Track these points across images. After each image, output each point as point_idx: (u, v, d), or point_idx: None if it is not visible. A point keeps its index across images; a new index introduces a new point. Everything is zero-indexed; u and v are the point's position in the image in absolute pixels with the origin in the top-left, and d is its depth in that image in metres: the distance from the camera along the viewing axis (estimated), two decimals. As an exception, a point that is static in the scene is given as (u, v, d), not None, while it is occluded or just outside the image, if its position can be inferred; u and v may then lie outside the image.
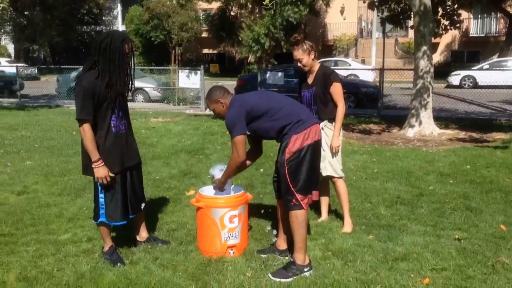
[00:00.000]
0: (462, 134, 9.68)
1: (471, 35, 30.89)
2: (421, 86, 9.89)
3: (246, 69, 27.75)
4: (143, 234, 3.96)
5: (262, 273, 3.42)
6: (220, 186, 3.79)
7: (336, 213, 4.69)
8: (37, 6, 32.92)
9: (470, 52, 30.87)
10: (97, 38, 3.44)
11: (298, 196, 3.36)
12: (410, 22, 15.64)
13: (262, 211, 4.59)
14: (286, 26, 23.41)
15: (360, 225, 4.39)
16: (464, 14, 22.19)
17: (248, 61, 28.33)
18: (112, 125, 3.44)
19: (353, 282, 3.28)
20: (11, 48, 41.09)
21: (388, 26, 22.26)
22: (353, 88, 14.33)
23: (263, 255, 3.72)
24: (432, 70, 9.96)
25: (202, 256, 3.70)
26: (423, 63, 9.83)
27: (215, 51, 36.61)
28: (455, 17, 16.12)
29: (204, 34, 30.93)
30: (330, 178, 4.33)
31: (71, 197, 5.31)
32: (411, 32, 23.61)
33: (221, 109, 3.57)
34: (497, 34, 30.25)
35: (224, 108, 3.54)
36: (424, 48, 9.81)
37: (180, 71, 14.88)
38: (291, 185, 3.36)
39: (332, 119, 4.22)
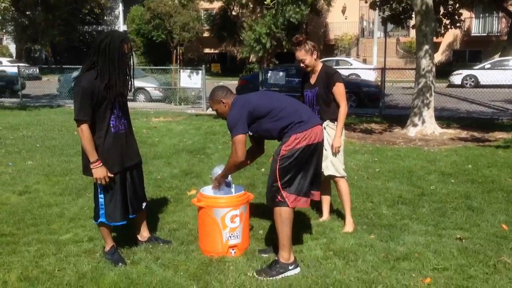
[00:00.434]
0: (463, 134, 9.66)
1: (472, 34, 30.86)
2: (423, 85, 9.88)
3: (248, 68, 27.76)
4: (144, 234, 3.96)
5: (264, 272, 3.41)
6: (217, 184, 3.78)
7: (337, 213, 4.68)
8: (38, 6, 32.99)
9: (472, 51, 30.84)
10: (96, 38, 3.42)
11: (284, 193, 3.35)
12: (412, 22, 15.60)
13: (264, 211, 4.58)
14: (287, 26, 23.38)
15: (362, 225, 4.38)
16: (465, 13, 22.17)
17: (250, 60, 28.33)
18: (111, 125, 3.43)
19: (354, 282, 3.27)
20: (12, 48, 41.17)
21: (390, 26, 22.22)
22: (354, 88, 14.33)
23: (264, 255, 3.71)
24: (434, 69, 9.95)
25: (203, 256, 3.70)
26: (425, 62, 9.82)
27: (216, 51, 36.62)
28: (457, 17, 16.08)
29: (206, 34, 30.93)
30: (331, 177, 4.32)
31: (73, 197, 5.31)
32: (412, 32, 23.61)
33: (223, 109, 3.57)
34: (498, 34, 30.21)
35: (226, 108, 3.54)
36: (426, 47, 9.79)
37: (181, 70, 14.89)
38: (279, 181, 3.35)
39: (334, 119, 4.21)
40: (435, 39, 11.08)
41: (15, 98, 16.84)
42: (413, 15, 11.19)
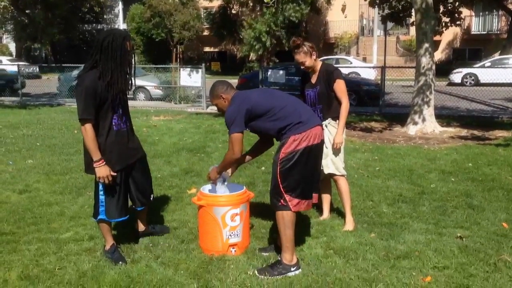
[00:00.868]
0: (464, 132, 9.66)
1: (472, 32, 30.82)
2: (423, 83, 9.87)
3: (247, 67, 27.73)
4: (142, 226, 4.03)
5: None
6: (213, 178, 3.77)
7: (337, 211, 4.68)
8: (38, 5, 32.95)
9: (472, 49, 30.81)
10: (97, 36, 3.43)
11: (287, 197, 3.33)
12: (411, 20, 15.58)
13: (264, 209, 4.58)
14: (287, 24, 23.39)
15: (362, 223, 4.38)
16: (465, 11, 22.17)
17: (249, 59, 28.30)
18: (113, 123, 3.45)
19: (355, 280, 3.27)
20: (12, 46, 41.19)
21: (390, 24, 22.23)
22: (354, 86, 14.31)
23: (264, 254, 3.71)
24: (434, 67, 9.94)
25: (203, 254, 3.70)
26: (425, 60, 9.81)
27: (216, 49, 36.60)
28: (456, 15, 16.08)
29: (205, 32, 30.92)
30: (331, 176, 4.32)
31: (73, 195, 5.31)
32: (412, 30, 23.60)
33: (223, 104, 3.56)
34: (498, 32, 30.17)
35: (226, 103, 3.53)
36: (426, 45, 9.79)
37: (181, 69, 14.88)
38: (281, 185, 3.33)
39: (336, 117, 4.22)
40: (434, 37, 11.06)
41: (15, 97, 16.83)
42: (413, 13, 11.18)
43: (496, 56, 25.25)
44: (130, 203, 3.79)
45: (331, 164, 4.25)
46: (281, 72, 14.24)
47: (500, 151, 7.54)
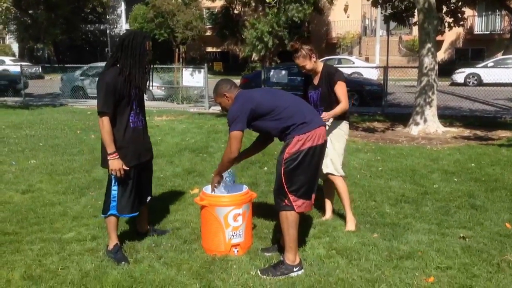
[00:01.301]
0: (466, 132, 9.64)
1: (475, 32, 30.77)
2: (425, 83, 9.86)
3: (250, 67, 27.72)
4: (144, 227, 4.08)
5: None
6: (214, 185, 3.79)
7: (340, 212, 4.67)
8: (41, 5, 33.04)
9: (475, 49, 30.76)
10: (121, 36, 3.63)
11: (291, 197, 3.33)
12: (414, 20, 15.56)
13: (266, 210, 4.58)
14: (289, 25, 23.38)
15: (365, 224, 4.38)
16: (468, 11, 22.11)
17: (252, 59, 28.30)
18: (130, 120, 3.58)
19: (357, 281, 3.27)
20: (15, 47, 41.28)
21: (392, 24, 22.21)
22: (357, 86, 14.31)
23: (267, 254, 3.71)
24: (436, 67, 9.93)
25: (206, 254, 3.70)
26: (427, 61, 9.79)
27: (218, 50, 36.64)
28: (459, 15, 16.02)
29: (208, 33, 30.93)
30: (329, 175, 4.31)
31: (76, 195, 5.32)
32: (415, 30, 23.57)
33: (226, 103, 3.56)
34: (501, 32, 30.13)
35: (229, 102, 3.53)
36: (429, 45, 9.77)
37: (184, 69, 14.87)
38: (285, 186, 3.34)
39: (338, 118, 4.22)
40: (437, 38, 11.05)
41: (18, 97, 16.88)
42: (416, 13, 11.16)
43: (499, 56, 25.21)
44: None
45: (330, 164, 4.24)
46: (283, 72, 14.24)
47: (503, 151, 7.52)
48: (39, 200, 5.12)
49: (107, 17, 40.87)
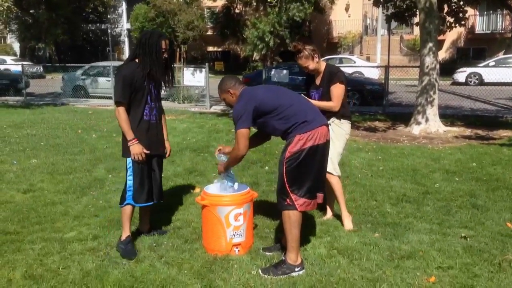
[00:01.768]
0: (468, 132, 9.63)
1: (477, 32, 30.75)
2: (427, 82, 9.85)
3: (251, 66, 27.73)
4: (145, 226, 4.12)
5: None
6: (219, 170, 3.82)
7: (340, 211, 4.66)
8: (42, 5, 33.04)
9: (476, 49, 30.74)
10: (140, 36, 3.82)
11: (293, 196, 3.33)
12: (415, 19, 15.53)
13: (267, 209, 4.58)
14: (290, 24, 23.38)
15: (366, 223, 4.37)
16: (470, 11, 22.08)
17: (253, 58, 28.31)
18: (145, 113, 3.74)
19: (358, 280, 3.26)
20: (16, 46, 41.34)
21: (393, 23, 22.17)
22: (358, 86, 14.29)
23: (268, 253, 3.71)
24: (438, 66, 9.92)
25: (207, 254, 3.70)
26: (429, 60, 9.78)
27: (219, 49, 36.65)
28: (461, 14, 15.99)
29: (209, 32, 30.93)
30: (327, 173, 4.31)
31: (77, 195, 5.32)
32: (416, 29, 23.52)
33: (230, 99, 3.58)
34: (503, 31, 30.10)
35: (233, 98, 3.55)
36: (430, 44, 9.76)
37: (185, 69, 14.87)
38: (287, 185, 3.34)
39: (340, 117, 4.23)
40: (438, 37, 11.04)
41: (19, 97, 16.90)
42: (417, 13, 11.15)
43: (500, 55, 25.18)
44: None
45: (329, 163, 4.24)
46: (284, 71, 14.24)
47: (505, 151, 7.51)
48: (40, 200, 5.12)
49: (108, 16, 40.90)
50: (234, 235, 3.67)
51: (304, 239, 3.91)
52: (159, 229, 4.21)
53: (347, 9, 31.91)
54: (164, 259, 3.62)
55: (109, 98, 15.58)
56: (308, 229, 4.14)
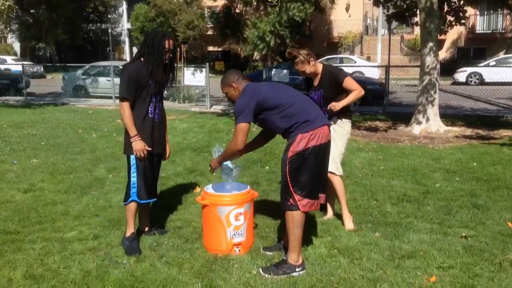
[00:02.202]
0: (468, 131, 9.63)
1: (477, 31, 30.71)
2: (427, 82, 9.85)
3: (251, 66, 27.73)
4: (145, 226, 4.13)
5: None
6: (213, 167, 3.79)
7: (341, 211, 4.66)
8: (42, 5, 33.06)
9: (477, 48, 30.71)
10: (146, 35, 3.93)
11: (296, 197, 3.32)
12: (416, 19, 15.52)
13: (268, 209, 4.58)
14: (291, 24, 23.37)
15: (366, 223, 4.37)
16: (470, 10, 22.06)
17: (253, 58, 28.31)
18: (149, 111, 3.78)
19: (359, 280, 3.26)
20: (17, 46, 41.31)
21: (394, 23, 22.14)
22: (358, 85, 14.26)
23: (269, 253, 3.71)
24: (438, 66, 9.92)
25: (207, 253, 3.70)
26: (429, 60, 9.78)
27: (220, 49, 36.61)
28: (461, 14, 15.99)
29: (209, 32, 30.93)
30: (329, 173, 4.31)
31: (77, 194, 5.32)
32: (416, 29, 23.49)
33: (233, 93, 3.56)
34: (503, 31, 30.07)
35: (236, 92, 3.53)
36: (430, 44, 9.76)
37: (185, 68, 14.86)
38: (290, 185, 3.33)
39: (342, 116, 4.23)
40: (439, 37, 11.03)
41: (20, 96, 16.91)
42: (418, 12, 11.15)
43: (501, 55, 25.17)
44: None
45: (331, 162, 4.24)
46: (284, 71, 14.24)
47: (505, 150, 7.51)
48: (41, 199, 5.12)
49: (109, 16, 40.90)
50: (234, 234, 3.67)
51: (305, 239, 3.90)
52: (159, 227, 4.22)
53: (347, 9, 31.91)
54: (164, 258, 3.62)
55: (110, 98, 15.59)
56: (309, 228, 4.13)
